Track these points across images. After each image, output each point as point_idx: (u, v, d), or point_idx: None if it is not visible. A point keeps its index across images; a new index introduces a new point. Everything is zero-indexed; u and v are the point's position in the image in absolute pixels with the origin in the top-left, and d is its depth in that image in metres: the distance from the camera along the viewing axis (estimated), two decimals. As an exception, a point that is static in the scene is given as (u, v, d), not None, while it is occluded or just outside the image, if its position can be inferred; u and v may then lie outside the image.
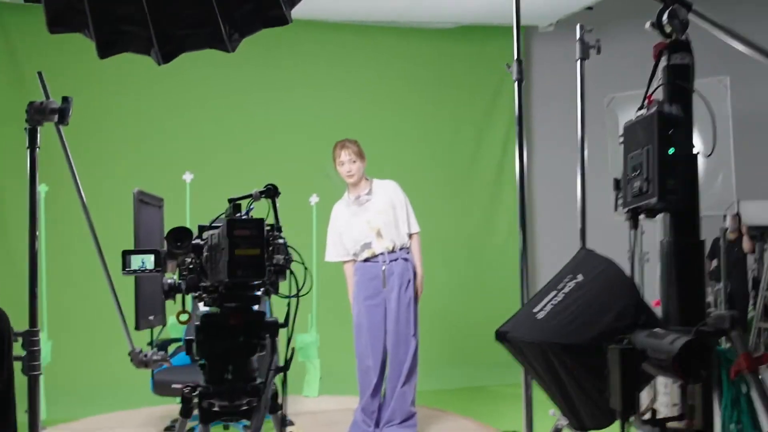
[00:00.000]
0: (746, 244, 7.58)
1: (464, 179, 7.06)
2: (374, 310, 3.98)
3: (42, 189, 4.36)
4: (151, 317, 2.39)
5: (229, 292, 1.88)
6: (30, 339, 1.92)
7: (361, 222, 4.01)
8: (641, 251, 5.50)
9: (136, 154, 6.16)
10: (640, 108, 2.11)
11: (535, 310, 1.93)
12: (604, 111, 6.05)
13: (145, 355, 2.34)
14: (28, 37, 5.74)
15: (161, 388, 3.63)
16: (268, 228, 1.88)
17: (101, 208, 4.77)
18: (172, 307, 2.11)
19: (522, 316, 1.95)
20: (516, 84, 2.82)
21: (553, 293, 1.93)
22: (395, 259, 4.00)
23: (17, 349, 1.95)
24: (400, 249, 4.01)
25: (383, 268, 3.98)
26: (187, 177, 4.86)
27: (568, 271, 1.99)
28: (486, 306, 6.84)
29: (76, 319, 5.47)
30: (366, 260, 4.01)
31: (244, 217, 1.84)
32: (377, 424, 4.00)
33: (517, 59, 2.85)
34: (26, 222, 4.48)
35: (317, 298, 5.18)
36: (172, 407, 4.02)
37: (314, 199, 5.15)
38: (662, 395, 1.86)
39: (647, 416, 1.76)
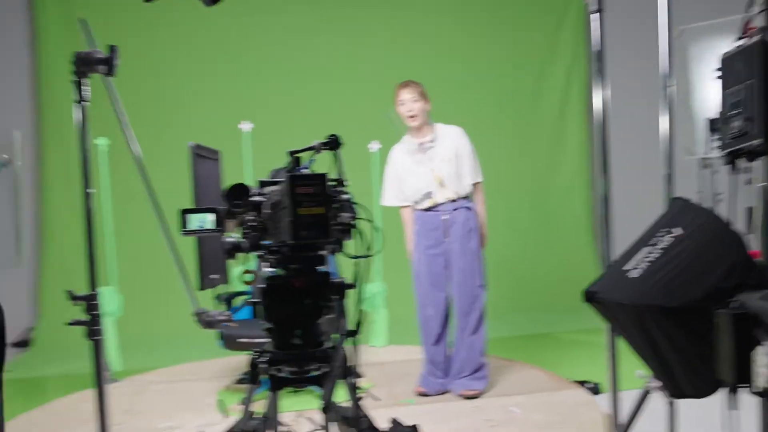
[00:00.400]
0: None
1: (527, 118, 6.81)
2: (435, 259, 3.84)
3: (102, 142, 4.33)
4: (214, 276, 2.30)
5: (292, 253, 1.75)
6: (90, 303, 1.86)
7: (424, 171, 3.82)
8: (713, 191, 5.18)
9: (192, 106, 6.13)
10: (740, 38, 1.87)
11: (626, 268, 1.74)
12: (673, 44, 5.63)
13: (210, 315, 2.28)
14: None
15: (230, 342, 3.61)
16: (332, 183, 1.74)
17: (159, 162, 4.78)
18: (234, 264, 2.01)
19: (612, 274, 1.77)
20: (597, 15, 2.56)
21: (648, 249, 1.74)
22: (457, 209, 3.83)
23: (79, 314, 1.89)
24: (463, 198, 3.84)
25: (445, 217, 3.81)
26: (245, 126, 4.71)
27: (664, 223, 1.79)
28: (552, 250, 6.68)
29: (147, 272, 5.54)
30: (427, 209, 3.84)
31: (305, 173, 1.69)
32: (446, 374, 3.91)
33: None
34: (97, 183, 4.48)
35: (382, 246, 5.07)
36: (243, 358, 4.01)
37: (375, 146, 4.98)
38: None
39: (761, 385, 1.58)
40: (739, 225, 2.19)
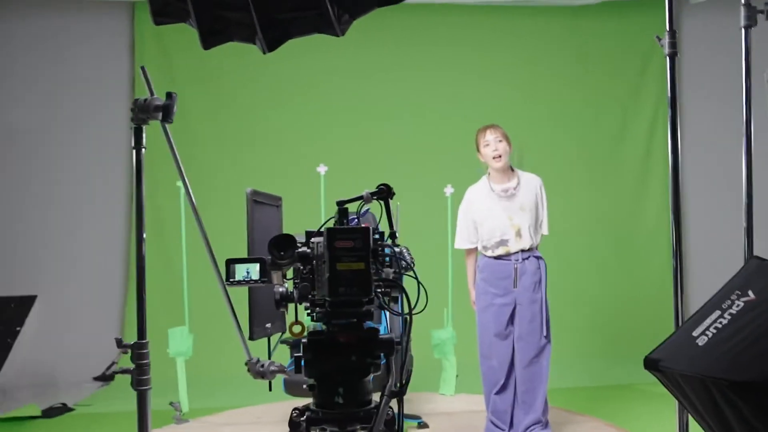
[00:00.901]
0: None
1: (609, 164, 6.60)
2: (503, 309, 3.72)
3: (180, 185, 4.46)
4: (268, 325, 2.28)
5: (335, 308, 1.71)
6: (138, 352, 1.86)
7: (502, 216, 3.72)
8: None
9: (268, 150, 6.23)
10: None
11: (695, 334, 1.60)
12: (764, 88, 5.35)
13: (262, 366, 2.25)
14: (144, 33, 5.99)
15: (292, 387, 3.58)
16: (377, 237, 1.69)
17: (220, 208, 4.88)
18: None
19: (678, 340, 1.63)
20: (668, 59, 2.45)
21: (717, 314, 1.60)
22: (528, 258, 3.70)
23: (126, 362, 1.90)
24: (535, 248, 3.73)
25: (516, 266, 3.69)
26: (321, 170, 4.74)
27: (736, 285, 1.64)
28: (634, 298, 6.38)
29: (216, 312, 5.61)
30: (497, 257, 3.73)
31: (347, 226, 1.65)
32: (510, 425, 3.76)
33: (669, 30, 2.48)
34: (178, 224, 4.60)
35: (452, 292, 4.97)
36: (307, 401, 3.97)
37: (449, 190, 4.91)
38: None
39: None
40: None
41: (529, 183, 3.79)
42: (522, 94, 6.48)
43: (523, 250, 3.70)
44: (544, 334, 3.70)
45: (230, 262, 1.81)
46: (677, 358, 1.57)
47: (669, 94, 2.53)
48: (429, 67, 6.46)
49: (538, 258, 3.73)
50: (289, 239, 1.72)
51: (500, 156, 3.71)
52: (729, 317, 1.56)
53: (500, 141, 3.73)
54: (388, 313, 1.84)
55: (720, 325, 1.55)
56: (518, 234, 3.69)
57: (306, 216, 3.27)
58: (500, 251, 3.72)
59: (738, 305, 1.58)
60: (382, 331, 2.06)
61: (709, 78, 6.35)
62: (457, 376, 4.93)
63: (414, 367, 4.33)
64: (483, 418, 3.90)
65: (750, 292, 1.59)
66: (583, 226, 6.37)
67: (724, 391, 1.46)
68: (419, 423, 4.16)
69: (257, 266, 1.81)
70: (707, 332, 1.57)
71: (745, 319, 1.53)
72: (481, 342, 3.82)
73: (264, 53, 1.98)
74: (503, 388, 3.77)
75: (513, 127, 4.05)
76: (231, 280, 1.82)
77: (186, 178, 2.08)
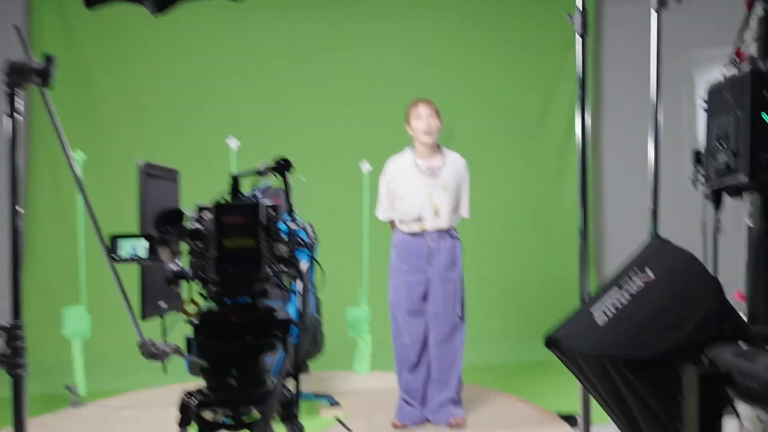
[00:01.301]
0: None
1: (530, 145, 6.64)
2: (416, 287, 3.69)
3: (79, 157, 4.21)
4: (161, 302, 2.15)
5: (224, 286, 1.61)
6: (13, 333, 1.71)
7: (422, 193, 3.67)
8: (716, 222, 4.99)
9: (168, 122, 5.96)
10: (729, 67, 1.74)
11: (594, 313, 1.59)
12: (681, 72, 5.50)
13: (156, 347, 2.12)
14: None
15: (195, 368, 3.44)
16: (272, 212, 1.60)
17: (126, 179, 4.61)
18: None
19: (579, 320, 1.62)
20: (578, 38, 2.43)
21: (617, 293, 1.59)
22: (444, 237, 3.68)
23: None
24: (452, 228, 3.71)
25: (431, 245, 3.66)
26: (232, 143, 4.55)
27: (636, 265, 1.64)
28: (551, 277, 6.49)
29: (115, 291, 5.36)
30: (413, 234, 3.69)
31: (236, 201, 1.55)
32: (423, 403, 3.75)
33: (581, 9, 2.46)
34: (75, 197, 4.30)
35: (369, 269, 4.92)
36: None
37: (365, 166, 4.83)
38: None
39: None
40: (727, 263, 2.04)
41: (454, 163, 3.75)
42: (445, 72, 6.41)
43: (439, 230, 3.67)
44: (458, 314, 3.69)
45: (115, 238, 1.69)
46: (577, 336, 1.56)
47: (579, 74, 2.52)
48: (348, 41, 6.30)
49: (454, 238, 3.72)
50: (177, 214, 1.61)
51: (431, 132, 3.66)
52: (628, 296, 1.56)
53: (432, 117, 3.68)
54: (299, 292, 1.74)
55: (619, 305, 1.55)
56: (436, 213, 3.65)
57: (214, 192, 3.14)
58: (415, 228, 3.68)
59: (637, 284, 1.57)
60: (292, 312, 1.97)
61: (632, 60, 6.43)
62: (371, 353, 4.90)
63: (327, 345, 4.26)
64: (396, 395, 3.88)
65: (648, 271, 1.59)
66: (503, 206, 6.40)
67: (620, 370, 1.45)
68: (330, 402, 4.11)
69: (145, 242, 1.69)
70: (606, 311, 1.56)
71: (642, 298, 1.52)
72: (394, 319, 3.79)
73: (154, 15, 1.83)
74: (416, 366, 3.75)
75: (436, 105, 4.00)
76: (116, 256, 1.69)
77: (69, 149, 1.91)
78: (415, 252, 3.68)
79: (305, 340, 3.50)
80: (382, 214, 3.85)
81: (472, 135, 5.97)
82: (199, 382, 1.84)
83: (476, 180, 3.91)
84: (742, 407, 1.50)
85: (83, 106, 5.61)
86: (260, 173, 1.72)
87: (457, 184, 3.72)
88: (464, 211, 3.78)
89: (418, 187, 3.68)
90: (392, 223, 3.84)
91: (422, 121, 3.66)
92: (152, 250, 1.68)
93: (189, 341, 1.70)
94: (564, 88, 6.60)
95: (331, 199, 5.58)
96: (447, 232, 3.69)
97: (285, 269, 1.61)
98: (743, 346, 1.38)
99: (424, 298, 3.70)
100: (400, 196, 3.72)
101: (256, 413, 1.74)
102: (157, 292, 2.12)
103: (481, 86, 6.50)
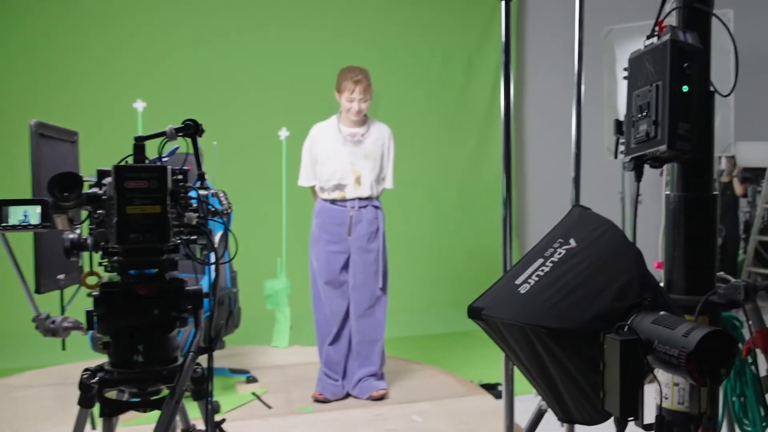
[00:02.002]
0: (737, 187, 7.32)
1: (454, 114, 6.65)
2: (336, 257, 3.62)
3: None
4: (60, 276, 2.00)
5: (129, 256, 1.49)
6: None
7: (344, 160, 3.58)
8: (634, 192, 5.14)
9: (74, 85, 5.65)
10: (650, 36, 1.72)
11: (517, 282, 1.56)
12: (600, 44, 5.59)
13: (53, 322, 1.97)
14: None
15: (98, 345, 3.27)
16: (180, 177, 1.48)
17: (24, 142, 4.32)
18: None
19: (501, 289, 1.58)
20: (503, 4, 2.38)
21: (540, 262, 1.57)
22: (365, 206, 3.61)
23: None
24: (375, 198, 3.65)
25: (351, 214, 3.60)
26: (139, 106, 4.31)
27: (558, 234, 1.62)
28: (476, 248, 6.55)
29: (7, 263, 5.07)
30: (333, 201, 3.61)
31: (140, 164, 1.43)
32: (344, 376, 3.71)
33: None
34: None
35: (287, 240, 4.81)
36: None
37: (284, 133, 4.70)
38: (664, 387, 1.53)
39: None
40: (646, 234, 2.06)
41: (378, 132, 3.68)
42: (369, 41, 6.32)
43: (360, 198, 3.61)
44: (380, 285, 3.65)
45: (3, 204, 1.53)
46: (499, 306, 1.52)
47: (503, 40, 2.47)
48: (270, 8, 6.12)
49: (376, 207, 3.66)
50: (74, 178, 1.47)
51: (360, 112, 3.59)
52: (551, 265, 1.53)
53: (365, 102, 3.58)
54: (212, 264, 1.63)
55: (542, 273, 1.52)
56: (357, 181, 3.58)
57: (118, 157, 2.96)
58: (336, 195, 3.60)
59: (560, 253, 1.55)
60: (205, 284, 1.85)
61: (552, 31, 6.48)
62: (291, 327, 4.81)
63: (244, 319, 4.14)
64: (316, 369, 3.82)
65: (572, 240, 1.57)
66: (427, 176, 6.40)
67: (543, 338, 1.43)
68: (248, 377, 4.00)
69: (38, 209, 1.54)
70: (529, 280, 1.53)
71: (564, 267, 1.50)
72: (314, 290, 3.72)
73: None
74: (336, 339, 3.70)
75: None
76: (4, 224, 1.53)
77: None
78: (336, 221, 3.61)
79: (220, 314, 3.38)
80: (305, 180, 3.74)
81: (396, 105, 5.93)
82: (103, 359, 1.72)
83: (401, 150, 3.87)
84: (661, 374, 1.51)
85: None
86: (167, 136, 1.60)
87: (381, 153, 3.66)
88: (388, 182, 3.72)
89: (341, 154, 3.60)
90: (314, 193, 3.74)
91: (354, 104, 3.57)
92: (46, 217, 1.54)
93: (90, 315, 1.57)
94: (487, 57, 6.63)
95: (248, 167, 5.43)
96: (369, 202, 3.62)
97: (195, 239, 1.50)
98: (663, 314, 1.37)
99: (345, 268, 3.64)
100: (321, 161, 3.63)
101: (165, 391, 1.64)
102: (54, 266, 1.97)
103: (404, 56, 6.46)
